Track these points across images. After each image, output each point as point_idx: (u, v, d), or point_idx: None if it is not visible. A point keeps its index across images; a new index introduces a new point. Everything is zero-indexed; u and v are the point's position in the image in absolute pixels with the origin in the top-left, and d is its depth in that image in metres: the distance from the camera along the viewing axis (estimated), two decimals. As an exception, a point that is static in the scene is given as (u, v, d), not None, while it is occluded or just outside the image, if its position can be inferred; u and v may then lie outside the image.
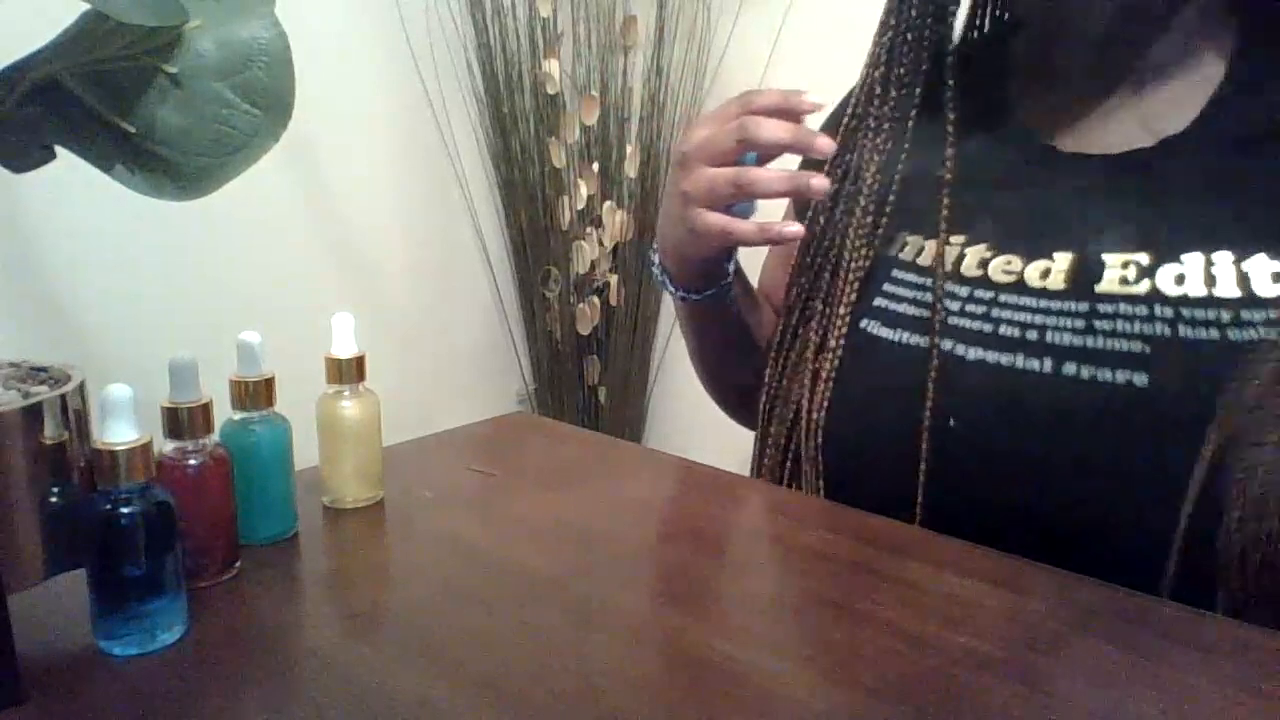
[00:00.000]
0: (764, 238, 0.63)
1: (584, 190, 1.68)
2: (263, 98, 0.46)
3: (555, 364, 1.81)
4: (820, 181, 0.62)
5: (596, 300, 1.73)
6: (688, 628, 0.47)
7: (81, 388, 0.45)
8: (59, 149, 0.46)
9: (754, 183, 0.61)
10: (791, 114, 0.62)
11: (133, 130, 0.45)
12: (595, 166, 1.69)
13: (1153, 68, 0.63)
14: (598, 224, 1.71)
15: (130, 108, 0.45)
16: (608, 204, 1.70)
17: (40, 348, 0.66)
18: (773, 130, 0.61)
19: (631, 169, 1.71)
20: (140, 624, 0.44)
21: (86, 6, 0.41)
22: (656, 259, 0.74)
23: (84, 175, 0.48)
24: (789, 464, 0.71)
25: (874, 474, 0.65)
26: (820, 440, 0.67)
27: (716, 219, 0.63)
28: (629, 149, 1.71)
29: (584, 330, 1.74)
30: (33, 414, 0.42)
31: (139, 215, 1.29)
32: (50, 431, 0.42)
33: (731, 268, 0.73)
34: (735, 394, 0.84)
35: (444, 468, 0.70)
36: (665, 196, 0.70)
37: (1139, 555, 0.54)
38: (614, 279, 1.74)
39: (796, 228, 0.63)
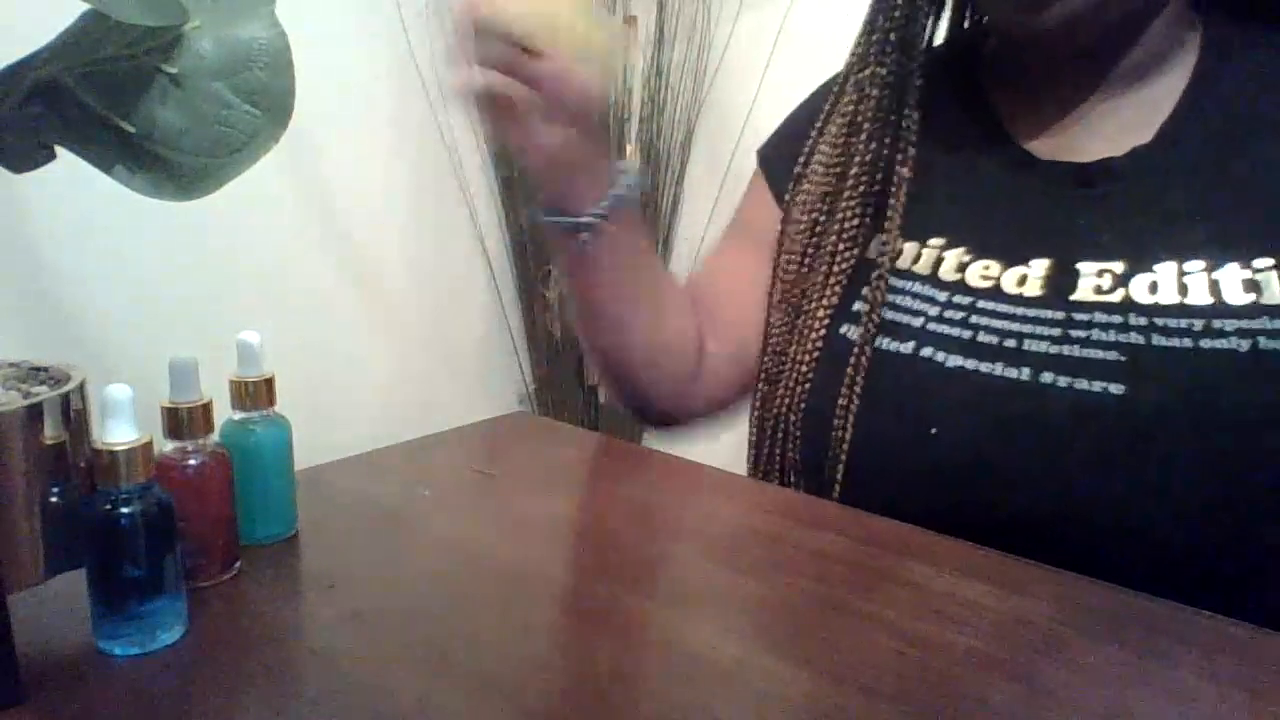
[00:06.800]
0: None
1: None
2: (263, 98, 0.46)
3: (555, 364, 1.81)
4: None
5: (596, 300, 1.73)
6: (687, 627, 0.47)
7: (81, 388, 0.45)
8: (59, 149, 0.46)
9: None
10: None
11: (133, 130, 0.45)
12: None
13: (1123, 77, 0.63)
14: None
15: (130, 108, 0.45)
16: (607, 204, 1.70)
17: (40, 348, 0.65)
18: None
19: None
20: (140, 624, 0.44)
21: (86, 6, 0.41)
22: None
23: (84, 175, 0.48)
24: (777, 466, 0.71)
25: (856, 481, 0.64)
26: (798, 444, 0.67)
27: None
28: (629, 149, 1.71)
29: (584, 330, 1.74)
30: (33, 414, 0.42)
31: (139, 215, 1.29)
32: (50, 431, 0.42)
33: (608, 199, 0.67)
34: (618, 369, 0.74)
35: (444, 468, 0.70)
36: None
37: (1124, 563, 0.54)
38: (614, 279, 1.73)
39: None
